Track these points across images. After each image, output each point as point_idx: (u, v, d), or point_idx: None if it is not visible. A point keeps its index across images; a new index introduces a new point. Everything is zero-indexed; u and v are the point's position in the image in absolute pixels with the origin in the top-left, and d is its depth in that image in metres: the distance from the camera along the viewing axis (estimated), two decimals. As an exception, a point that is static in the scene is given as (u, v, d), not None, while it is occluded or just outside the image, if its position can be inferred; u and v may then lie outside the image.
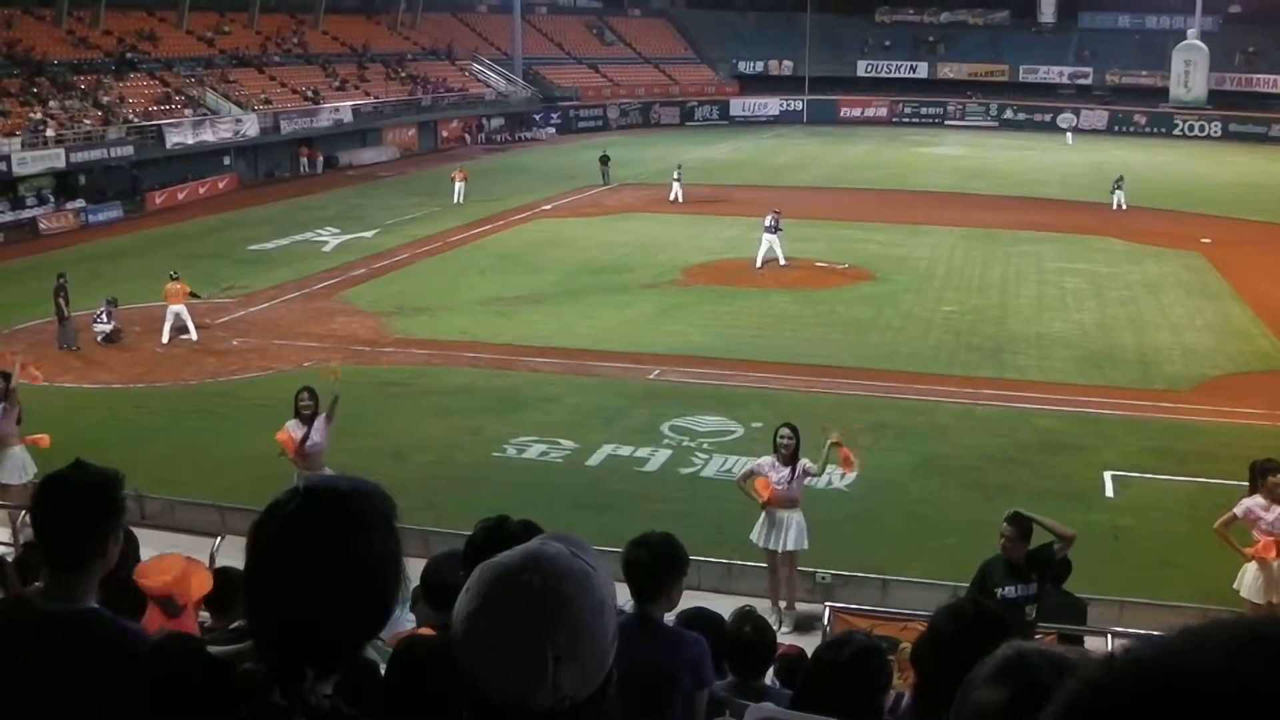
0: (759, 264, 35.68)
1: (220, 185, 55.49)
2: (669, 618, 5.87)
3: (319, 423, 15.33)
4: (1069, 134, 78.75)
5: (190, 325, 28.30)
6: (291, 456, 15.29)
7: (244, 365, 26.62)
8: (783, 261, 35.77)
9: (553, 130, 79.89)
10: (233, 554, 9.41)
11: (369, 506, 2.17)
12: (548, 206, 49.05)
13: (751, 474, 14.47)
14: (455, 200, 49.02)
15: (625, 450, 20.75)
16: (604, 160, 55.79)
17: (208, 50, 64.84)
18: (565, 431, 21.60)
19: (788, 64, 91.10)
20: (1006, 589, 10.10)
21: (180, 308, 28.28)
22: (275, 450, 15.71)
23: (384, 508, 2.20)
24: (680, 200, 48.67)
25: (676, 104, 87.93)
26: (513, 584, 1.86)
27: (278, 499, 2.19)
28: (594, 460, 20.36)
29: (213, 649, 2.29)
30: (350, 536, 2.12)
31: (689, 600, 6.27)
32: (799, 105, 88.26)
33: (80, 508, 3.37)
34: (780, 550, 14.25)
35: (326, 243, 41.45)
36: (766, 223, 36.21)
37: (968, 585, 10.99)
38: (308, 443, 15.24)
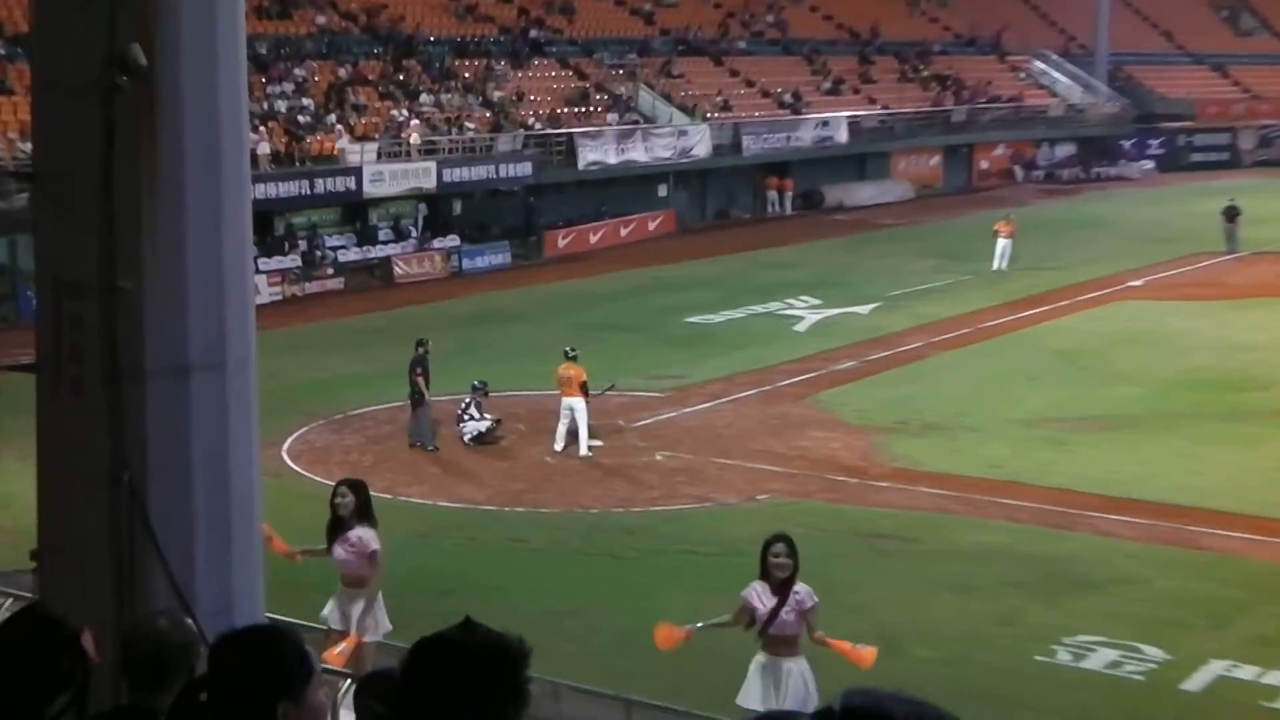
0: None
1: (651, 226, 57.61)
2: None
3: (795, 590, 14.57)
4: None
5: (584, 428, 29.11)
6: (759, 636, 14.69)
7: (669, 491, 27.26)
8: None
9: (1149, 165, 79.34)
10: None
11: None
12: (1136, 283, 48.77)
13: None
14: (995, 265, 49.46)
15: (1247, 672, 19.95)
16: (1230, 215, 54.94)
17: (644, 30, 67.37)
18: (1151, 632, 20.98)
19: None
20: None
21: (578, 401, 29.18)
22: (715, 617, 15.63)
23: None
24: None
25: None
26: None
27: None
28: (1194, 683, 19.65)
29: None
30: None
31: None
32: None
33: (468, 681, 3.48)
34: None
35: (800, 319, 42.39)
36: None
37: None
38: (778, 619, 14.60)
